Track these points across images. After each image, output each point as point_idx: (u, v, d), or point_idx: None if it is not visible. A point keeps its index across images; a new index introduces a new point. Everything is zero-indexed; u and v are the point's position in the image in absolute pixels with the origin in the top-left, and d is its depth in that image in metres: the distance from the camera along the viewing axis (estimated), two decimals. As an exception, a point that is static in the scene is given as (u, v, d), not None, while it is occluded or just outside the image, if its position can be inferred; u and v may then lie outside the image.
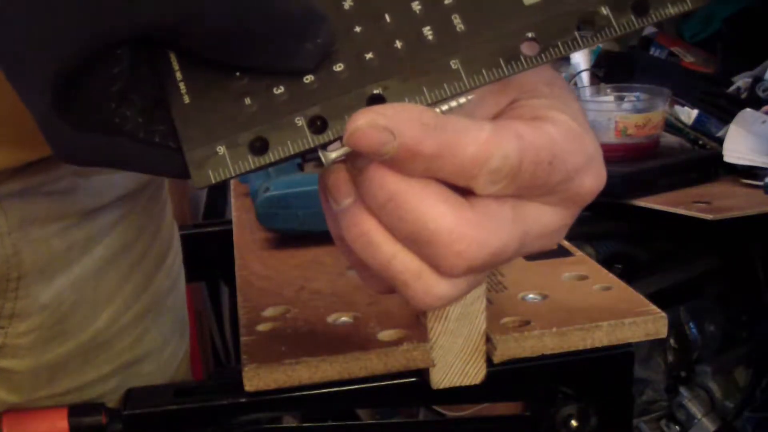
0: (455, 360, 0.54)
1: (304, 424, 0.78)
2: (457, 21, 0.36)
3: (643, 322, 0.56)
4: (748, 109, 1.40)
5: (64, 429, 0.57)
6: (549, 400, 0.60)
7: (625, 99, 1.46)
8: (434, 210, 0.34)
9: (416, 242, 0.35)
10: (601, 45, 1.76)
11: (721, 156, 1.36)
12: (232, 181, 0.95)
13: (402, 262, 0.36)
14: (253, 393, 0.54)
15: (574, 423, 0.60)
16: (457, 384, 0.55)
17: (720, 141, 1.41)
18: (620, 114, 1.37)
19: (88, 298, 0.60)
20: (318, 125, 0.36)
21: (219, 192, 1.72)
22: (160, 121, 0.36)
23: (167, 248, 0.69)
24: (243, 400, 0.56)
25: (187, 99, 0.36)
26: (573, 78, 1.71)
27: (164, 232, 0.68)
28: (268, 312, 0.61)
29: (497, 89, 0.39)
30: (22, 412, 0.58)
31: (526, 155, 0.35)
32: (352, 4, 0.37)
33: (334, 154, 0.36)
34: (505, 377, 0.57)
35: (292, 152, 0.36)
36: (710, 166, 1.38)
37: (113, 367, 0.62)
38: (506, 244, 0.36)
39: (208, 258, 0.91)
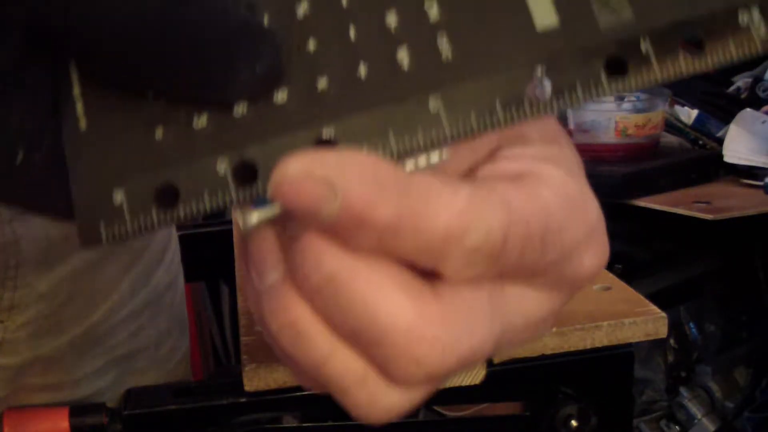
0: (455, 360, 0.54)
1: (304, 424, 0.78)
2: (443, 45, 0.28)
3: (643, 322, 0.56)
4: (748, 109, 1.41)
5: (65, 429, 0.57)
6: (549, 400, 0.60)
7: (625, 99, 1.47)
8: (387, 300, 0.26)
9: (361, 341, 0.27)
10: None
11: (721, 156, 1.36)
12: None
13: (341, 362, 0.28)
14: (253, 393, 0.54)
15: (574, 423, 0.60)
16: (457, 384, 0.55)
17: (720, 141, 1.41)
18: (620, 114, 1.37)
19: (86, 290, 0.60)
20: (245, 173, 0.28)
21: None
22: (43, 148, 0.28)
23: (166, 245, 0.69)
24: (243, 400, 0.56)
25: (83, 124, 0.28)
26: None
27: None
28: (269, 312, 0.61)
29: None
30: (23, 411, 0.58)
31: (513, 230, 0.27)
32: (308, 10, 0.29)
33: (255, 215, 0.28)
34: (505, 377, 0.57)
35: (207, 207, 0.28)
36: (710, 166, 1.38)
37: (108, 361, 0.62)
38: (479, 345, 0.28)
39: (208, 258, 0.91)
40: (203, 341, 1.50)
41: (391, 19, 0.28)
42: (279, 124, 0.28)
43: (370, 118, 0.28)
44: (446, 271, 0.27)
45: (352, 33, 0.28)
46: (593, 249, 0.30)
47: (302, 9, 0.29)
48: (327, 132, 0.28)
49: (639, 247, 1.46)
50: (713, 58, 0.27)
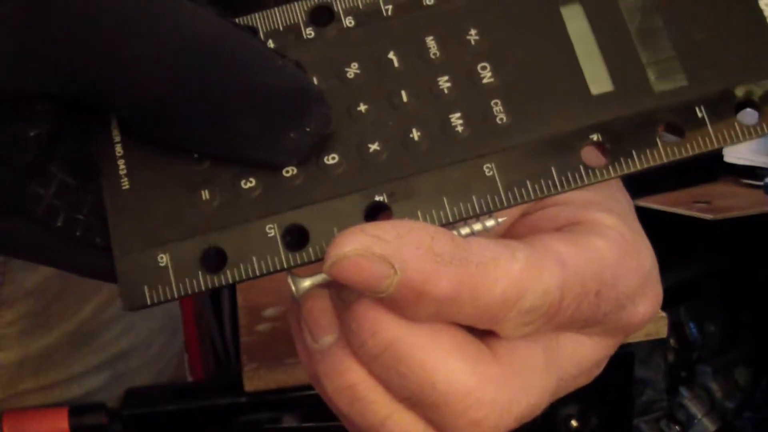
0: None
1: (304, 425, 0.78)
2: (498, 109, 0.28)
3: (643, 322, 0.56)
4: (748, 109, 1.40)
5: (64, 429, 0.57)
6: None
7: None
8: (446, 366, 0.27)
9: (420, 404, 0.27)
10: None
11: (721, 156, 1.36)
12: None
13: (399, 424, 0.28)
14: (253, 393, 0.54)
15: (574, 423, 0.60)
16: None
17: (720, 141, 1.41)
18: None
19: (74, 287, 0.60)
20: (295, 237, 0.27)
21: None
22: (85, 208, 0.28)
23: None
24: (243, 400, 0.57)
25: (126, 183, 0.28)
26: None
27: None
28: (268, 312, 0.61)
29: None
30: (22, 411, 0.58)
31: (569, 288, 0.27)
32: (358, 71, 0.28)
33: (308, 281, 0.28)
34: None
35: (257, 273, 0.27)
36: (710, 166, 1.38)
37: (100, 360, 0.62)
38: (536, 402, 0.28)
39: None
40: (203, 341, 1.50)
41: (444, 83, 0.28)
42: (330, 188, 0.27)
43: (424, 183, 0.27)
44: (503, 331, 0.27)
45: (404, 97, 0.28)
46: (647, 296, 0.30)
47: (352, 71, 0.28)
48: (380, 196, 0.27)
49: (639, 247, 1.46)
50: None
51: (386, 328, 0.26)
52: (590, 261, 0.28)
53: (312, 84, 0.28)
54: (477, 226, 0.28)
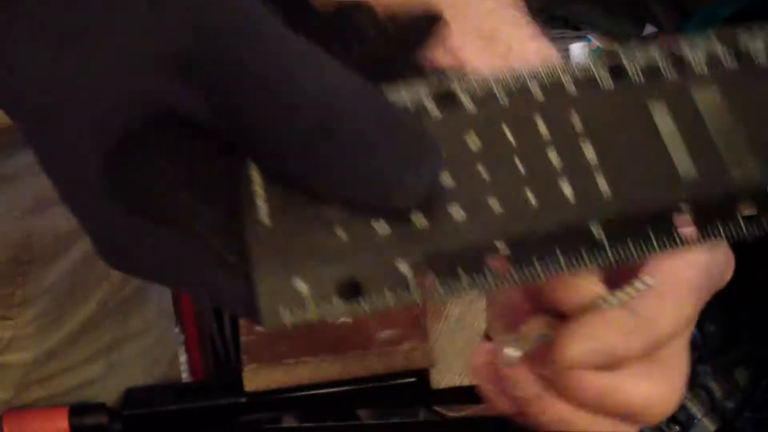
0: (455, 360, 0.54)
1: (304, 424, 0.78)
2: (601, 182, 0.31)
3: (643, 322, 0.57)
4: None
5: (64, 429, 0.57)
6: (549, 400, 0.60)
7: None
8: (641, 392, 0.35)
9: (623, 419, 0.35)
10: (600, 45, 1.76)
11: (721, 156, 1.36)
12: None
13: (602, 426, 0.36)
14: (253, 393, 0.54)
15: (574, 423, 0.60)
16: (457, 384, 0.55)
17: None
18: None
19: (82, 281, 0.60)
20: (426, 275, 0.30)
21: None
22: (233, 231, 0.29)
23: None
24: (243, 400, 0.57)
25: (266, 219, 0.30)
26: (573, 78, 1.70)
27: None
28: (268, 312, 0.61)
29: None
30: (22, 411, 0.58)
31: (696, 299, 0.36)
32: (478, 142, 0.32)
33: (517, 352, 0.33)
34: (505, 377, 0.57)
35: (391, 303, 0.29)
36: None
37: (96, 348, 0.63)
38: (683, 377, 0.36)
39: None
40: (203, 341, 1.50)
41: (553, 156, 0.32)
42: (455, 236, 0.30)
43: (538, 238, 0.31)
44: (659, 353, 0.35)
45: (518, 162, 0.31)
46: (729, 262, 0.40)
47: (472, 140, 0.31)
48: (499, 245, 0.30)
49: (639, 247, 1.45)
50: None
51: (595, 380, 0.33)
52: (701, 270, 0.36)
53: (428, 132, 0.29)
54: (630, 291, 0.34)
